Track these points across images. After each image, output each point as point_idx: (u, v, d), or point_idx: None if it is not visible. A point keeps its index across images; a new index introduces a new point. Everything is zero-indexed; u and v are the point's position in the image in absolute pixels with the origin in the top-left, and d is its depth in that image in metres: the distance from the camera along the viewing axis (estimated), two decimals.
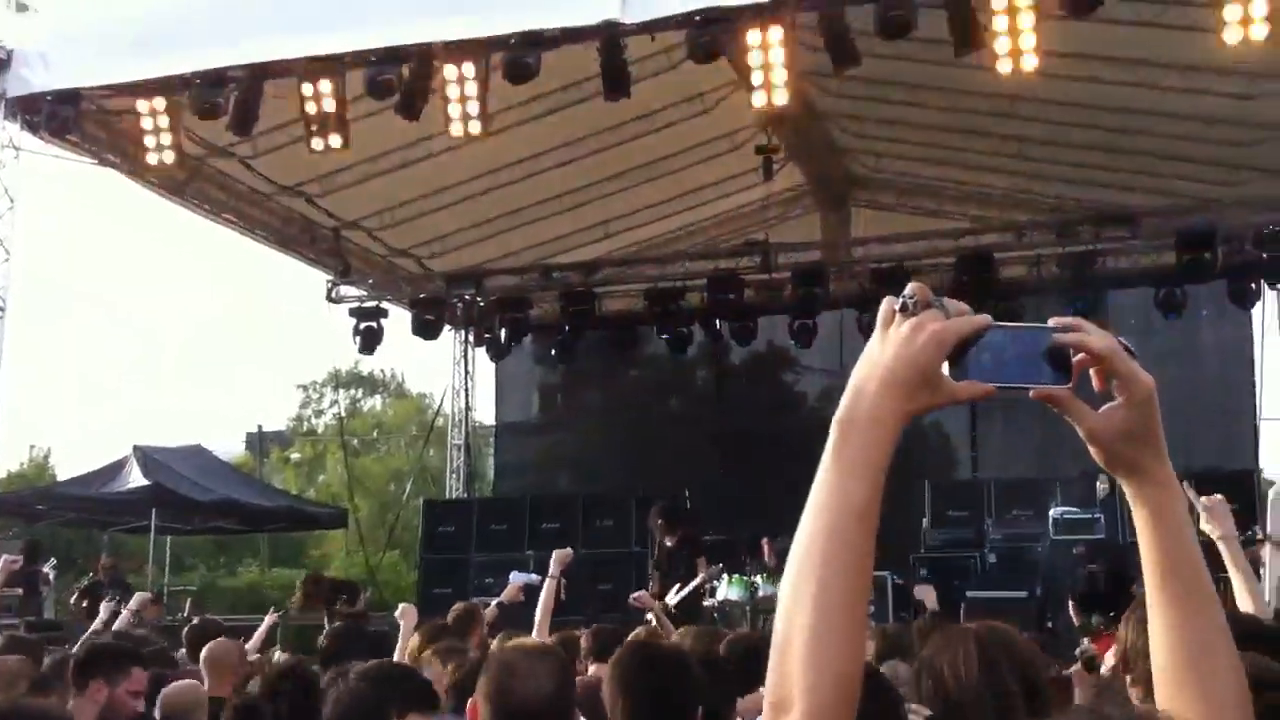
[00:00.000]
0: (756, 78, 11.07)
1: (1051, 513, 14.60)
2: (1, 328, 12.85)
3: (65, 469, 33.54)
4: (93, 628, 8.85)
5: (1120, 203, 16.45)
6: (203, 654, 6.44)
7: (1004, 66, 10.72)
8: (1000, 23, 10.47)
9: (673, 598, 12.03)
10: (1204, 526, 4.40)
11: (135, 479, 18.55)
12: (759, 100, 11.31)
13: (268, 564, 34.92)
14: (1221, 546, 4.23)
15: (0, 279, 12.80)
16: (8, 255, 12.82)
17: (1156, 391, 1.62)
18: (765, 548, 13.60)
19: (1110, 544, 13.52)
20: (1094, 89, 13.71)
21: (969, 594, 13.36)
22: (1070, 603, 11.34)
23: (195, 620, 9.35)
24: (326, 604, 13.27)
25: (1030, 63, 10.63)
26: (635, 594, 9.84)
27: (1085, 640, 9.74)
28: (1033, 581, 13.94)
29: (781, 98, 11.22)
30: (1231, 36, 10.15)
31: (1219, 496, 4.32)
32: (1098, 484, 14.03)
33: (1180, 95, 13.44)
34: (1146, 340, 18.25)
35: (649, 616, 9.85)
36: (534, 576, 14.84)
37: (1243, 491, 14.49)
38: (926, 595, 7.45)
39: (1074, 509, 14.13)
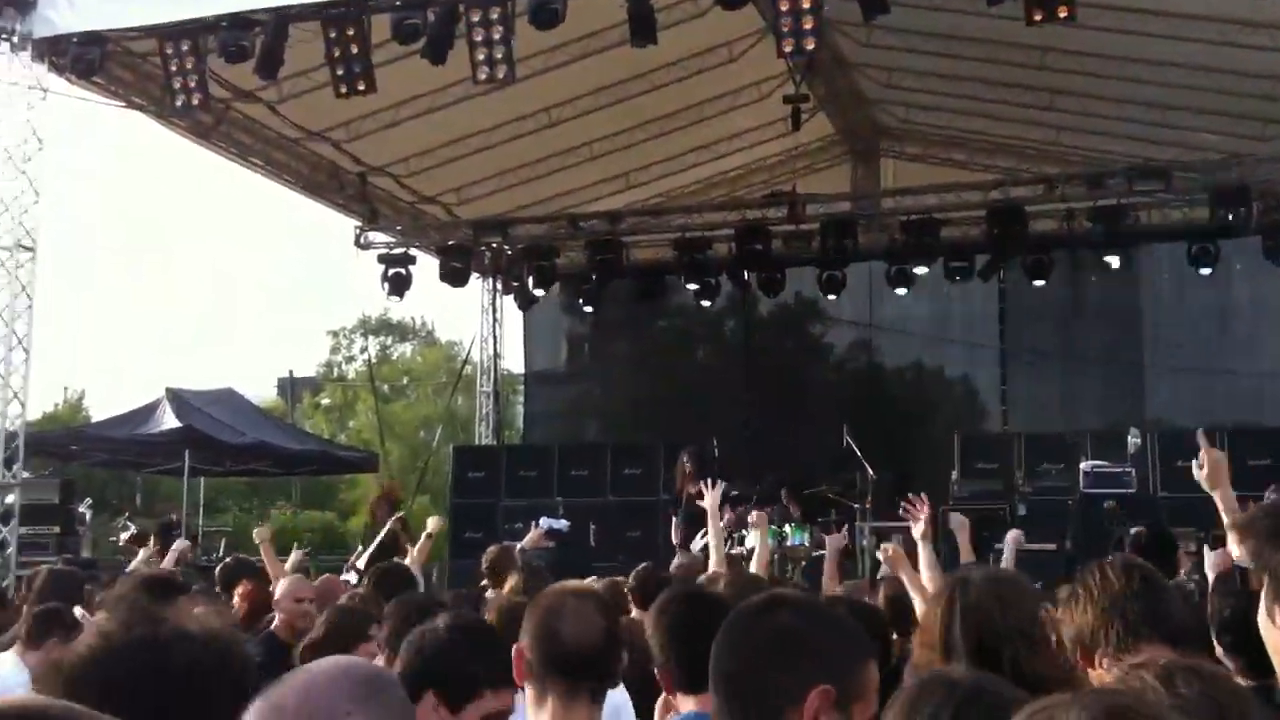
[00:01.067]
0: (785, 25, 10.94)
1: (1082, 466, 14.55)
2: (33, 269, 12.98)
3: (99, 411, 33.93)
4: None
5: (1153, 156, 16.24)
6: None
7: (1036, 15, 10.56)
8: None
9: (698, 543, 12.11)
10: (1197, 477, 4.26)
11: (168, 421, 18.72)
12: (787, 48, 11.19)
13: (300, 506, 35.33)
14: (1218, 501, 4.14)
15: (30, 220, 12.91)
16: (37, 197, 12.92)
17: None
18: (785, 498, 13.62)
19: (1142, 499, 13.49)
20: (1128, 41, 13.51)
21: (997, 545, 13.34)
22: None
23: (229, 560, 9.53)
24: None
25: (1063, 12, 10.47)
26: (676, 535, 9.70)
27: None
28: (1062, 534, 13.93)
29: (810, 45, 11.10)
30: None
31: (1217, 454, 4.18)
32: (1129, 438, 13.96)
33: (1216, 48, 13.23)
34: (1179, 295, 18.10)
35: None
36: (563, 523, 15.01)
37: (1276, 448, 14.47)
38: (961, 528, 7.04)
39: (1104, 463, 14.07)
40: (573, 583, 4.53)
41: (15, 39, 12.39)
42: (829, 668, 2.11)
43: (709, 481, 7.45)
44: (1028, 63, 14.78)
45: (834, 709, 2.07)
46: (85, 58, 12.12)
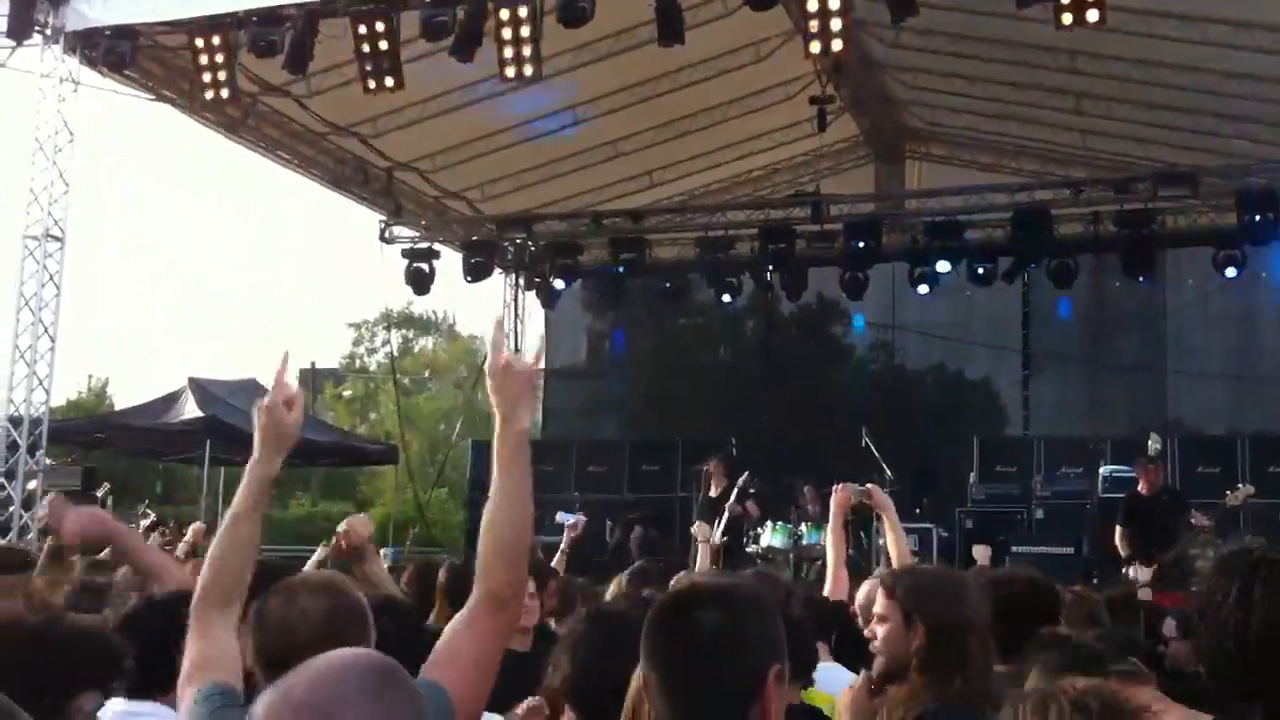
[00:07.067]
0: (813, 26, 10.96)
1: (1101, 470, 14.51)
2: (61, 258, 13.08)
3: (122, 400, 34.11)
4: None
5: (1180, 161, 16.16)
6: None
7: (1066, 19, 10.54)
8: None
9: (716, 536, 12.12)
10: None
11: (190, 411, 18.79)
12: (814, 49, 11.21)
13: (318, 498, 35.47)
14: None
15: (59, 210, 13.01)
16: (67, 188, 13.02)
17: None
18: (808, 495, 13.60)
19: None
20: (1157, 45, 13.46)
21: (1015, 549, 13.33)
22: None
23: None
24: None
25: (1093, 16, 10.44)
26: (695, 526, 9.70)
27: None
28: (1080, 538, 13.88)
29: (837, 47, 11.12)
30: None
31: None
32: (1149, 443, 13.89)
33: (1244, 53, 13.17)
34: (1204, 301, 18.00)
35: (698, 552, 9.86)
36: (580, 516, 15.03)
37: None
38: (982, 555, 7.45)
39: (1124, 467, 14.01)
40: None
41: (48, 32, 12.52)
42: (777, 648, 2.19)
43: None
44: (1056, 66, 14.74)
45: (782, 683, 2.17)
46: (117, 51, 12.23)
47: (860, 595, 5.75)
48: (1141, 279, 16.64)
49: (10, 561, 5.28)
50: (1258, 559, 2.60)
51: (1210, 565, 2.61)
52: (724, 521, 12.06)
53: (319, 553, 9.89)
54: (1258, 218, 15.00)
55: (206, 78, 12.11)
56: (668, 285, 18.52)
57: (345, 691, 1.72)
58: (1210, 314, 18.11)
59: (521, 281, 20.36)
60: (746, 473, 12.49)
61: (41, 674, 1.74)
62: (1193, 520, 10.97)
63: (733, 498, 11.85)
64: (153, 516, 17.49)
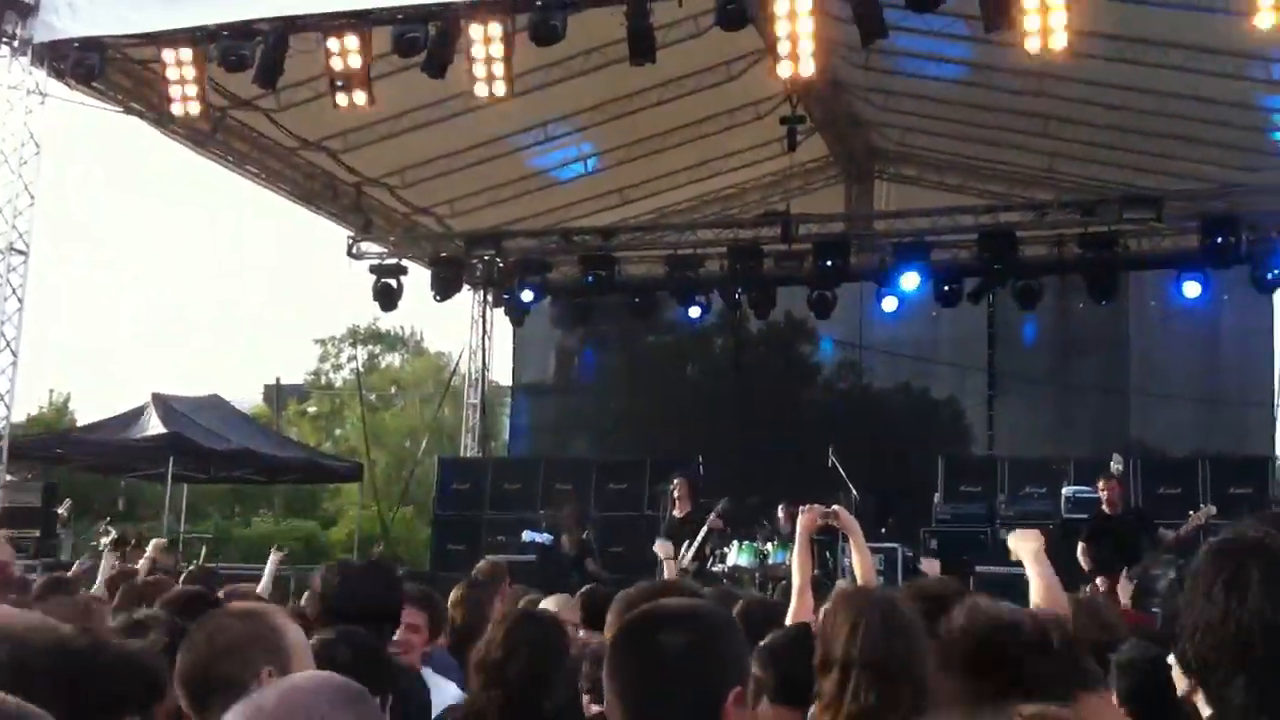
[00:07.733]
0: (783, 47, 11.01)
1: (1064, 491, 14.58)
2: (25, 271, 12.94)
3: (84, 415, 33.73)
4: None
5: (1145, 184, 16.34)
6: None
7: (1033, 44, 10.64)
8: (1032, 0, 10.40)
9: (686, 558, 12.14)
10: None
11: (154, 427, 18.58)
12: (785, 70, 11.25)
13: (282, 515, 35.19)
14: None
15: (24, 223, 12.88)
16: (32, 200, 12.89)
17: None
18: (782, 514, 13.60)
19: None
20: (1123, 70, 13.61)
21: (978, 568, 13.36)
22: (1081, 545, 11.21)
23: (192, 568, 9.53)
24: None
25: (1060, 41, 10.54)
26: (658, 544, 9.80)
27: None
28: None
29: (808, 68, 11.17)
30: (1263, 21, 10.06)
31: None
32: (1111, 464, 13.99)
33: (1209, 79, 13.35)
34: (1167, 324, 18.17)
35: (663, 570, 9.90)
36: (545, 536, 14.98)
37: (1258, 477, 14.57)
38: (931, 569, 7.43)
39: (1087, 488, 14.08)
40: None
41: (16, 43, 12.41)
42: (738, 669, 2.23)
43: None
44: (1023, 89, 14.88)
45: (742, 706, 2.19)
46: (85, 63, 12.13)
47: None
48: (1105, 303, 16.81)
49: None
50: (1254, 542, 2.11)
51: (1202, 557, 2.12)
52: (699, 539, 12.11)
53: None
54: (1219, 240, 15.20)
55: (175, 91, 12.03)
56: (636, 301, 18.53)
57: (315, 702, 1.79)
58: (1173, 336, 18.28)
59: (490, 298, 20.32)
60: (726, 498, 12.58)
61: (86, 697, 1.79)
62: (1160, 535, 11.10)
63: (714, 513, 11.98)
64: (114, 534, 17.33)
